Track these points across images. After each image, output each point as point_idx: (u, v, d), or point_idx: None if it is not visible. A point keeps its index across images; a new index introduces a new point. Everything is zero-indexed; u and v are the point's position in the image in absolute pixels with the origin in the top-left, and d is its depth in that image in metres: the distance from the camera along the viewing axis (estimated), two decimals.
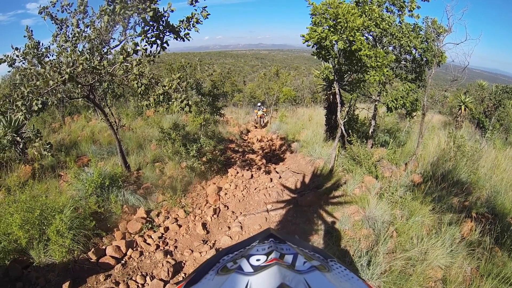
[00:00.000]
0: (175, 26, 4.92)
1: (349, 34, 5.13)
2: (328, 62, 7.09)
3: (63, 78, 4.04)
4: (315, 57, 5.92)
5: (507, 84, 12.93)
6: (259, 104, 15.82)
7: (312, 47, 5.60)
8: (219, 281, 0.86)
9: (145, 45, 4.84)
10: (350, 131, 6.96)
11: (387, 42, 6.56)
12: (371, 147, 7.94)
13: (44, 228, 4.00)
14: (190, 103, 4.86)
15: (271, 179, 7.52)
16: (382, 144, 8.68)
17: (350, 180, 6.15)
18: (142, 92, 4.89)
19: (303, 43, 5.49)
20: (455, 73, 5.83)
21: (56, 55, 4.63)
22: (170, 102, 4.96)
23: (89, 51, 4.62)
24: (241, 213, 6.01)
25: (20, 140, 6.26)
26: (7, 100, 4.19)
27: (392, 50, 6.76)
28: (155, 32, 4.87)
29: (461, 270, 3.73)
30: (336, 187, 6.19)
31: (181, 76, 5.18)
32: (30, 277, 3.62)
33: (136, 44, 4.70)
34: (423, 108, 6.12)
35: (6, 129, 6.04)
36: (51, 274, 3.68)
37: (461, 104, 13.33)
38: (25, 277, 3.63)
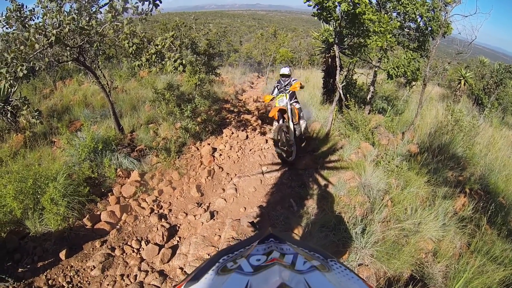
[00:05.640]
0: None
1: None
2: (329, 25, 6.81)
3: (50, 40, 3.81)
4: (316, 18, 5.63)
5: (509, 63, 12.72)
6: (287, 70, 6.44)
7: (313, 7, 5.32)
8: (219, 281, 0.83)
9: (136, 3, 4.54)
10: (347, 95, 6.86)
11: (391, 7, 6.26)
12: (369, 113, 7.87)
13: (38, 197, 3.96)
14: (184, 62, 4.67)
15: (266, 140, 7.38)
16: (380, 111, 8.63)
17: (347, 145, 6.08)
18: (133, 52, 4.68)
19: (304, 2, 5.20)
20: (461, 46, 5.64)
21: (42, 17, 4.33)
22: (163, 62, 4.77)
23: (77, 11, 4.32)
24: (235, 174, 5.96)
25: (9, 109, 6.07)
26: None
27: (396, 16, 6.48)
28: None
29: (451, 244, 3.80)
30: (332, 151, 6.13)
31: (174, 35, 4.94)
32: (27, 248, 3.64)
33: (126, 1, 4.40)
34: (425, 78, 5.99)
35: None
36: (48, 243, 3.70)
37: (461, 78, 13.19)
38: (22, 247, 3.65)
